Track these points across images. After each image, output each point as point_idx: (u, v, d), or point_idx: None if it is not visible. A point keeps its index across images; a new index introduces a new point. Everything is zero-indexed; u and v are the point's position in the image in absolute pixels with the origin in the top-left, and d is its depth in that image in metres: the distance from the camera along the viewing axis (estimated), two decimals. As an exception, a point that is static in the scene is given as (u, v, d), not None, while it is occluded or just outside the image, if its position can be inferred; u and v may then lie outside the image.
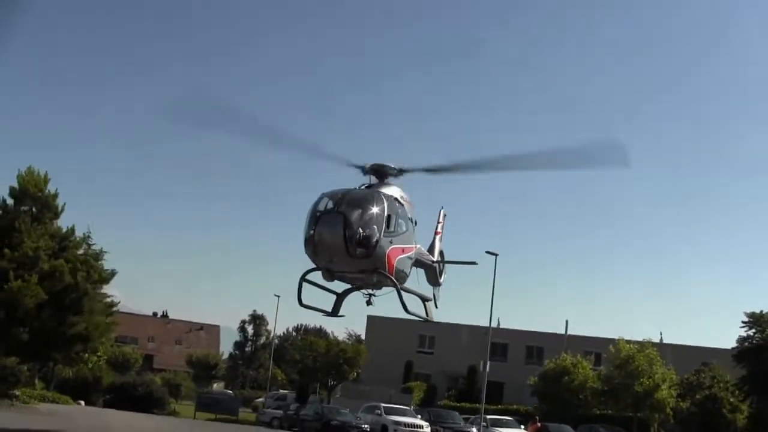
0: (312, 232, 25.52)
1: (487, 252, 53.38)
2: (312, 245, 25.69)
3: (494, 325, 72.22)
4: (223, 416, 73.12)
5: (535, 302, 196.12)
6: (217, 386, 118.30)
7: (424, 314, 31.43)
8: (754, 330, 56.90)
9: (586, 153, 27.64)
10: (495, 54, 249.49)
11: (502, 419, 58.11)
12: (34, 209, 44.03)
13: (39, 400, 48.41)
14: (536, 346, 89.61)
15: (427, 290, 33.25)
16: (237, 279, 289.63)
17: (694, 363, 70.93)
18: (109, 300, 51.58)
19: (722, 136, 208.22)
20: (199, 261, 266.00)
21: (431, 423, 53.95)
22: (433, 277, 34.50)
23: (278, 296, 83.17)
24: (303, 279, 28.36)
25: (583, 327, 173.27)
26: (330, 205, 25.98)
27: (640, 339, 66.98)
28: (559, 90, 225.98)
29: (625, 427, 60.88)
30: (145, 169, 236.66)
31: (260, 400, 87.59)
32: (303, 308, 29.14)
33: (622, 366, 63.09)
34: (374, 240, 25.49)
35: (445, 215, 36.61)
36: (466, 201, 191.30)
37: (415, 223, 29.85)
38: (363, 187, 28.42)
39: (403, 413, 53.98)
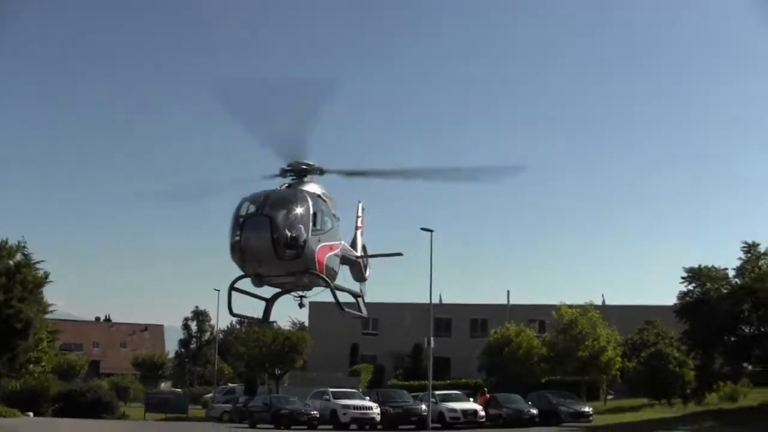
0: (237, 238, 24.71)
1: (422, 228, 53.44)
2: (239, 252, 24.84)
3: (436, 301, 72.44)
4: (173, 415, 72.87)
5: (476, 275, 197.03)
6: (165, 386, 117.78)
7: (358, 311, 30.84)
8: (693, 284, 57.34)
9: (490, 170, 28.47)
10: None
11: (451, 394, 58.08)
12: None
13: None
14: (480, 318, 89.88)
15: (354, 287, 33.17)
16: (176, 277, 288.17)
17: (638, 322, 71.58)
18: (43, 303, 51.22)
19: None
20: (138, 263, 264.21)
21: (380, 404, 53.88)
22: (359, 272, 33.88)
23: (218, 290, 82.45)
24: (232, 288, 27.36)
25: (525, 296, 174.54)
26: (252, 208, 25.22)
27: (582, 303, 67.52)
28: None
29: (574, 391, 61.20)
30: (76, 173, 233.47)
31: (209, 395, 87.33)
32: (234, 317, 29.03)
33: (565, 331, 63.53)
34: (302, 240, 24.73)
35: (364, 208, 35.90)
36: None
37: (338, 219, 29.17)
38: (283, 187, 27.60)
39: (352, 396, 53.99)
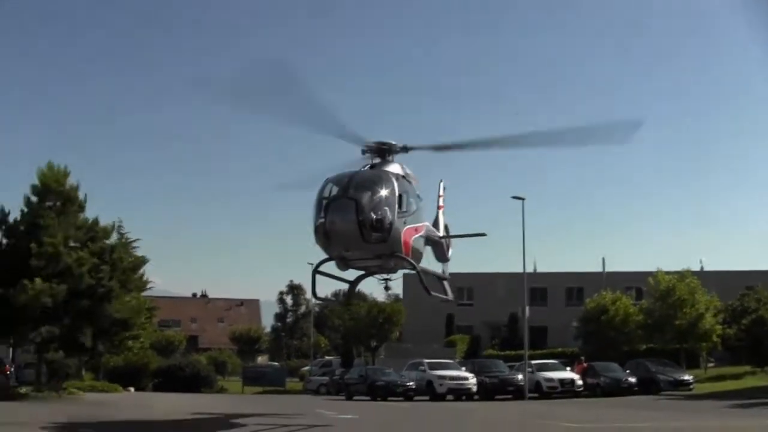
0: (322, 221, 24.44)
1: (514, 197, 52.89)
2: (324, 235, 24.62)
3: (530, 270, 71.87)
4: (271, 388, 73.34)
5: (570, 243, 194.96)
6: (261, 359, 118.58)
7: (444, 294, 30.72)
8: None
9: (592, 131, 27.75)
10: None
11: (548, 363, 57.61)
12: (57, 204, 43.76)
13: (87, 391, 48.46)
14: (576, 287, 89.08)
15: (437, 268, 32.75)
16: (271, 253, 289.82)
17: (738, 288, 70.09)
18: (142, 280, 51.55)
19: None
20: (233, 238, 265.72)
21: (476, 374, 53.54)
22: (442, 253, 33.84)
23: (312, 263, 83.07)
24: (316, 271, 27.60)
25: (621, 263, 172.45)
26: (336, 190, 24.98)
27: (680, 269, 66.47)
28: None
29: (673, 359, 60.27)
30: (167, 150, 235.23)
31: (306, 368, 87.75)
32: (318, 301, 28.69)
33: (663, 298, 62.50)
34: (388, 222, 24.47)
35: (445, 188, 35.82)
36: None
37: (421, 200, 28.97)
38: (367, 168, 27.43)
39: (447, 367, 53.64)
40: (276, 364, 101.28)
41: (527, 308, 56.00)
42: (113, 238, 46.95)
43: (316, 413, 32.94)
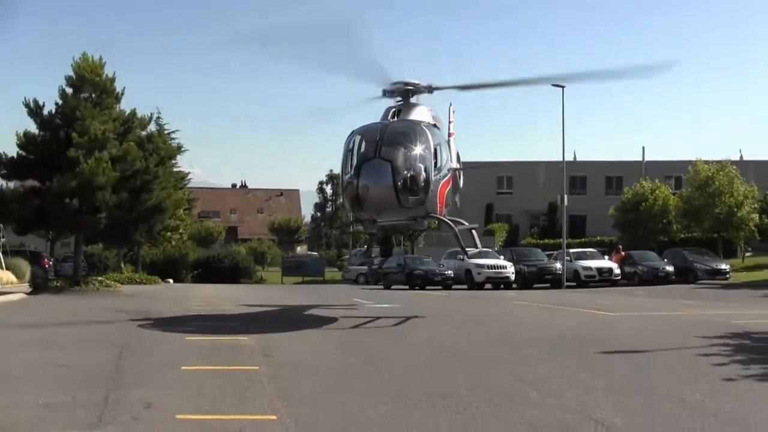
0: (353, 183, 22.60)
1: (554, 84, 52.25)
2: (355, 199, 22.83)
3: (570, 158, 71.66)
4: (310, 278, 73.88)
5: (610, 132, 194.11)
6: (301, 249, 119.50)
7: (477, 244, 29.48)
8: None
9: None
10: None
11: (586, 252, 57.82)
12: (93, 95, 43.52)
13: (125, 283, 48.84)
14: (615, 176, 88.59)
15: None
16: (310, 142, 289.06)
17: (778, 178, 69.75)
18: (180, 171, 51.71)
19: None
20: (272, 129, 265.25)
21: (515, 262, 53.72)
22: (456, 184, 31.43)
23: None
24: (342, 232, 26.66)
25: (661, 152, 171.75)
26: (366, 146, 23.35)
27: (720, 159, 65.97)
28: None
29: (710, 249, 60.16)
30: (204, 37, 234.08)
31: (345, 258, 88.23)
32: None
33: (701, 187, 62.08)
34: (426, 183, 22.95)
35: (454, 111, 33.60)
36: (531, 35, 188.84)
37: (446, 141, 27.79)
38: (393, 113, 25.67)
39: (486, 255, 53.72)
40: (315, 254, 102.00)
41: (566, 197, 55.95)
42: (151, 128, 47.00)
43: (354, 302, 33.02)
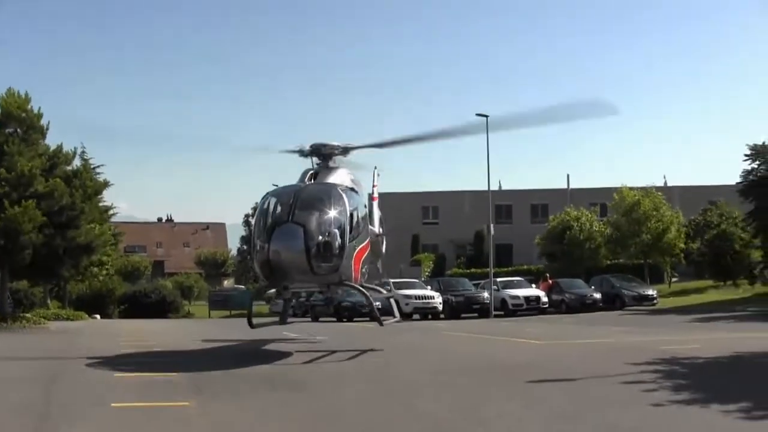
0: (265, 247, 21.75)
1: (478, 114, 52.55)
2: (267, 265, 21.92)
3: (495, 187, 72.08)
4: (238, 311, 73.52)
5: (535, 160, 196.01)
6: (228, 283, 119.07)
7: (395, 315, 27.28)
8: (758, 162, 55.48)
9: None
10: None
11: (513, 281, 58.06)
12: (19, 131, 43.26)
13: (53, 319, 48.34)
14: (540, 204, 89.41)
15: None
16: (235, 176, 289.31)
17: (701, 203, 70.74)
18: (104, 205, 51.46)
19: None
20: (197, 163, 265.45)
21: (442, 292, 53.78)
22: (377, 250, 30.47)
23: (276, 185, 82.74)
24: (253, 301, 26.14)
25: (585, 180, 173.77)
26: (280, 210, 22.49)
27: (644, 185, 66.78)
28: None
29: (637, 275, 60.86)
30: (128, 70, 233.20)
31: (272, 291, 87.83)
32: (253, 329, 26.46)
33: (627, 213, 62.78)
34: (340, 249, 22.00)
35: (379, 174, 32.86)
36: (451, 65, 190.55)
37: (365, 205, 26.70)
38: (310, 176, 25.13)
39: (413, 286, 53.73)
40: (242, 287, 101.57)
41: (492, 226, 56.26)
42: (76, 163, 46.73)
43: (283, 336, 32.88)
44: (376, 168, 32.59)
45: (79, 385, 17.29)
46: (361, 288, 23.74)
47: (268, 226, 22.08)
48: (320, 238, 21.56)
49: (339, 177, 25.12)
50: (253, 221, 23.61)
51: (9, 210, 38.58)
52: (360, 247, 23.64)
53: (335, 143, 25.95)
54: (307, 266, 21.30)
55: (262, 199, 23.91)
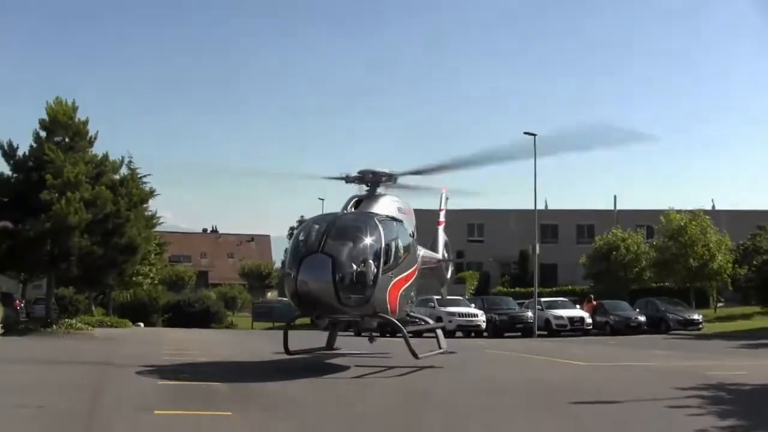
0: (295, 278, 21.38)
1: (526, 133, 52.36)
2: (296, 296, 21.70)
3: (542, 207, 71.78)
4: (280, 323, 73.55)
5: (582, 180, 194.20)
6: (271, 295, 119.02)
7: (437, 347, 25.89)
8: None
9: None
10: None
11: (557, 301, 57.76)
12: (66, 139, 43.57)
13: (97, 326, 48.60)
14: (587, 224, 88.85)
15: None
16: (281, 190, 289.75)
17: (750, 228, 69.97)
18: (150, 214, 51.78)
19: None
20: (244, 175, 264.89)
21: (486, 311, 53.62)
22: (440, 275, 31.45)
23: (322, 199, 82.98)
24: (288, 327, 25.12)
25: (632, 201, 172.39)
26: (313, 239, 21.98)
27: (692, 208, 66.27)
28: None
29: (683, 299, 60.31)
30: (177, 86, 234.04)
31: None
32: (291, 355, 25.11)
33: (674, 237, 62.34)
34: (371, 281, 21.34)
35: (447, 198, 33.15)
36: (497, 80, 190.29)
37: (416, 231, 26.25)
38: (353, 204, 24.83)
39: (457, 303, 53.57)
40: (286, 299, 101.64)
41: (538, 245, 56.01)
42: (123, 172, 47.02)
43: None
44: (444, 192, 32.60)
45: (123, 392, 17.38)
46: (395, 321, 23.06)
47: (299, 256, 21.74)
48: (349, 269, 21.08)
49: (383, 205, 24.73)
50: (290, 246, 23.00)
51: (56, 205, 38.78)
52: (399, 277, 23.03)
53: (382, 170, 25.55)
54: (335, 298, 20.91)
55: (300, 226, 23.68)
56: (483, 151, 26.53)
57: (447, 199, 32.89)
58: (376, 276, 21.37)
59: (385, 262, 21.94)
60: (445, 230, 33.14)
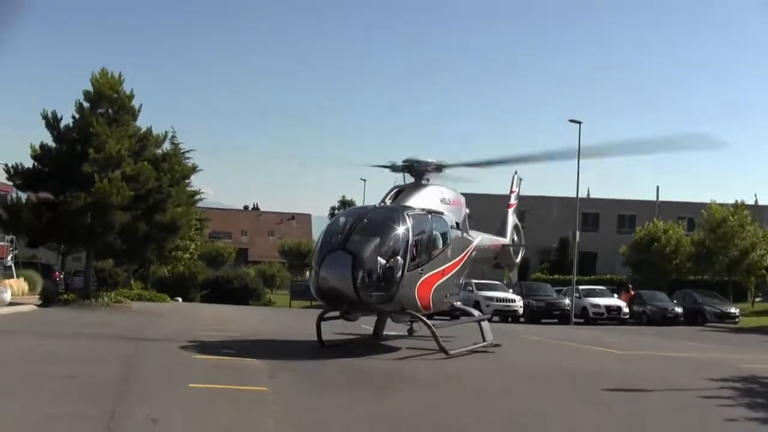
0: (317, 274, 21.19)
1: (571, 120, 52.27)
2: (319, 292, 21.42)
3: (584, 195, 71.49)
4: (318, 302, 73.70)
5: (625, 170, 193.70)
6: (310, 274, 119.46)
7: (481, 340, 24.93)
8: None
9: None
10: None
11: (595, 289, 57.58)
12: (110, 111, 43.54)
13: (135, 300, 48.84)
14: (628, 214, 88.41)
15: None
16: (323, 169, 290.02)
17: (792, 222, 69.53)
18: (192, 190, 51.88)
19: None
20: (287, 152, 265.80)
21: (524, 296, 53.47)
22: (508, 259, 31.03)
23: (364, 180, 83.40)
24: (321, 320, 23.67)
25: (675, 193, 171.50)
26: (339, 234, 21.65)
27: (734, 201, 65.83)
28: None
29: (721, 292, 59.97)
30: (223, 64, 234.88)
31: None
32: (326, 347, 23.40)
33: (714, 230, 62.00)
34: (396, 279, 20.95)
35: (520, 180, 32.68)
36: (545, 67, 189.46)
37: (468, 216, 25.88)
38: (394, 194, 24.13)
39: (495, 288, 53.53)
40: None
41: (578, 233, 55.96)
42: (165, 147, 47.05)
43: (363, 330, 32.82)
44: (516, 173, 32.43)
45: (158, 365, 17.59)
46: (426, 321, 22.33)
47: (323, 252, 21.52)
48: (370, 267, 20.76)
49: (424, 195, 24.17)
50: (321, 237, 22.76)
51: (98, 183, 38.88)
52: (434, 272, 22.58)
53: (429, 159, 24.95)
54: (355, 295, 20.60)
55: (334, 217, 23.30)
56: (538, 150, 26.39)
57: (521, 180, 32.68)
58: (401, 272, 21.03)
59: (414, 258, 21.55)
60: (487, 216, 32.95)
